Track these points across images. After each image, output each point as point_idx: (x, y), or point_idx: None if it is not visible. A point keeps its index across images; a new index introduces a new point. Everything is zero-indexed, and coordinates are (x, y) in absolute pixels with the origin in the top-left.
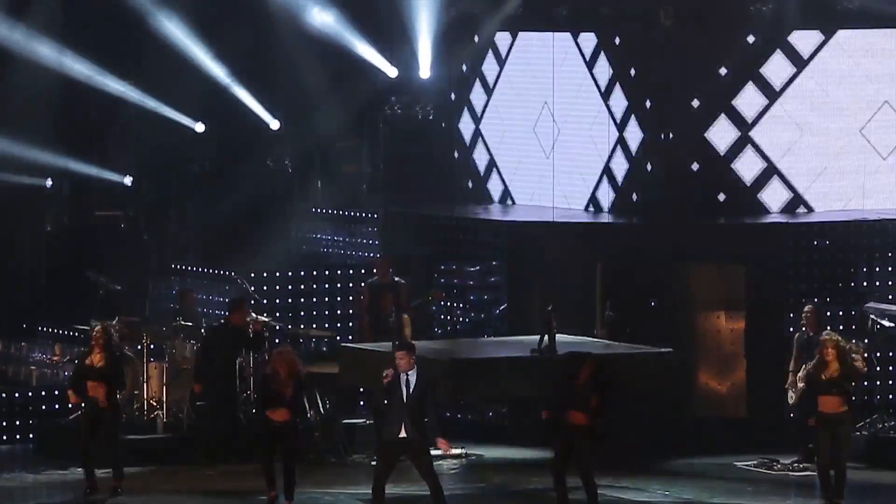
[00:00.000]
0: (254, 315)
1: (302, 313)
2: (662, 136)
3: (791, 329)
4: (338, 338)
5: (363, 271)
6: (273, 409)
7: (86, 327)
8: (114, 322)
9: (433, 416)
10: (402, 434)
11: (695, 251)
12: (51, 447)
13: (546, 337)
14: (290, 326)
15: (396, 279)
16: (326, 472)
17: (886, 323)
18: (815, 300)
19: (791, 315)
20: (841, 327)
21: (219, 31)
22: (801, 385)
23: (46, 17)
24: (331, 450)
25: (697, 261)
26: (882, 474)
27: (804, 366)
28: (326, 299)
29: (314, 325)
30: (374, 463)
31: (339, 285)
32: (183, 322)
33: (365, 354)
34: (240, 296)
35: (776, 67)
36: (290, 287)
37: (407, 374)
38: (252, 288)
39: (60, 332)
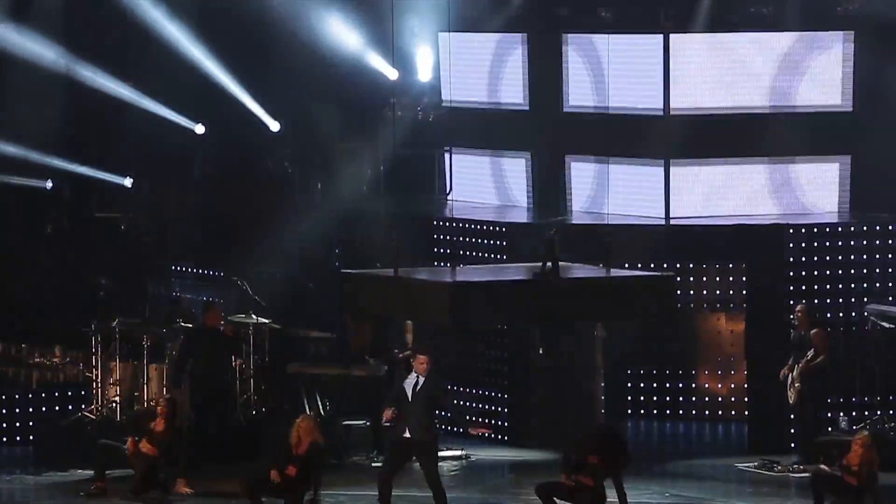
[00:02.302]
0: (255, 317)
1: (302, 314)
2: None
3: (792, 330)
4: (333, 337)
5: None
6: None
7: (86, 329)
8: (114, 323)
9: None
10: (407, 434)
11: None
12: (51, 449)
13: (549, 262)
14: (290, 327)
15: None
16: (327, 474)
17: (887, 325)
18: (804, 301)
19: (792, 316)
20: (841, 328)
21: (220, 33)
22: (797, 385)
23: (47, 19)
24: (331, 451)
25: (697, 261)
26: (884, 476)
27: (797, 364)
28: (325, 301)
29: (314, 328)
30: (373, 464)
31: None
32: (182, 324)
33: (368, 280)
34: (214, 299)
35: None
36: (290, 289)
37: (419, 376)
38: (252, 290)
39: (61, 333)
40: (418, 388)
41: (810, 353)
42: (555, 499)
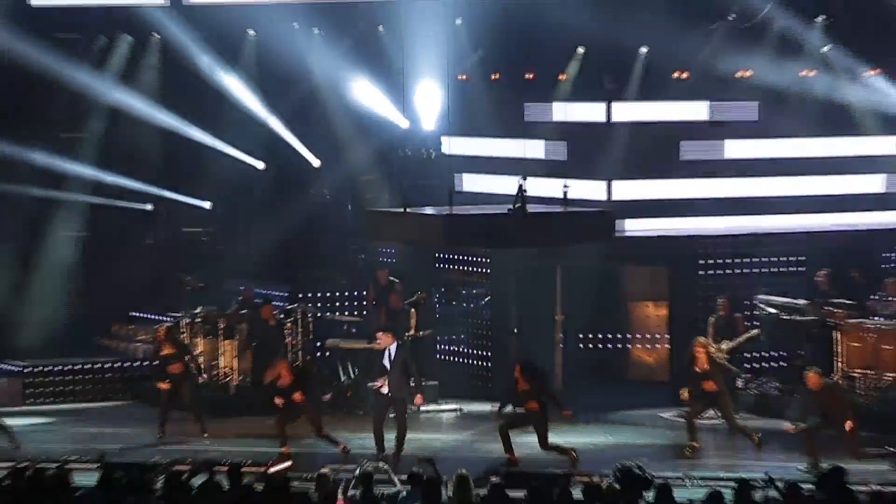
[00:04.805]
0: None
1: (337, 304)
2: None
3: (701, 315)
4: (360, 320)
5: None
6: (291, 394)
7: (178, 314)
8: (198, 310)
9: (417, 378)
10: (385, 390)
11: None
12: (151, 403)
13: (519, 201)
14: (328, 314)
15: (392, 279)
16: (356, 422)
17: (771, 310)
18: (724, 294)
19: (700, 304)
20: (738, 314)
21: (275, 90)
22: (724, 356)
23: (148, 82)
24: (358, 405)
25: (633, 261)
26: (767, 421)
27: (725, 340)
28: (355, 293)
29: (346, 313)
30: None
31: (363, 281)
32: (248, 311)
33: (385, 215)
34: (270, 294)
35: None
36: (329, 285)
37: (389, 349)
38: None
39: (158, 317)
40: (392, 357)
41: (754, 332)
42: (510, 432)
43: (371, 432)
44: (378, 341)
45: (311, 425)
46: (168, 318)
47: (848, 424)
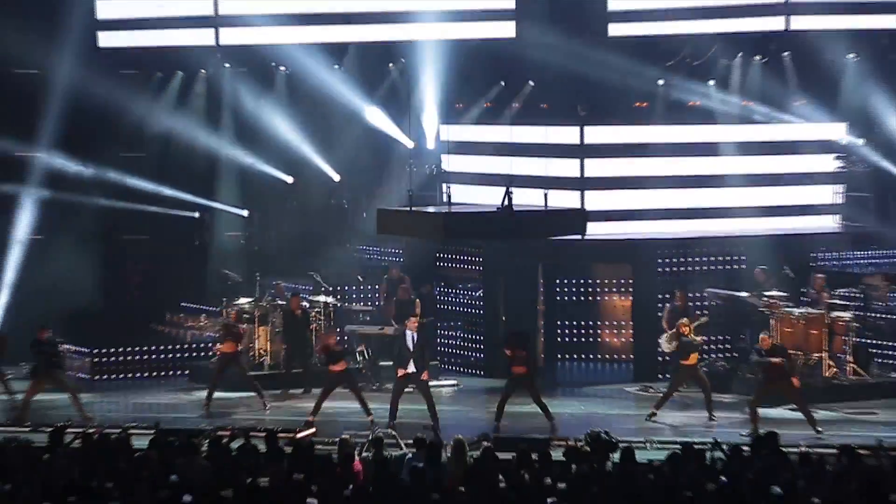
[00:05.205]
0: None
1: (353, 295)
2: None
3: (660, 305)
4: (373, 310)
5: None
6: (334, 364)
7: (220, 304)
8: (237, 301)
9: (427, 359)
10: (410, 370)
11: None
12: (198, 379)
13: (505, 203)
14: (346, 304)
15: (401, 274)
16: (370, 397)
17: (720, 301)
18: (681, 287)
19: (659, 296)
20: (690, 304)
21: (302, 116)
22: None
23: (196, 110)
24: (372, 382)
25: (602, 261)
26: (717, 395)
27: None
28: (369, 287)
29: (361, 303)
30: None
31: (375, 277)
32: (279, 301)
33: (394, 213)
34: (298, 287)
35: None
36: (346, 279)
37: (414, 333)
38: (323, 280)
39: (204, 307)
40: (415, 340)
41: (704, 319)
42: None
43: (385, 403)
44: (409, 324)
45: (352, 392)
46: (215, 308)
47: (795, 381)
